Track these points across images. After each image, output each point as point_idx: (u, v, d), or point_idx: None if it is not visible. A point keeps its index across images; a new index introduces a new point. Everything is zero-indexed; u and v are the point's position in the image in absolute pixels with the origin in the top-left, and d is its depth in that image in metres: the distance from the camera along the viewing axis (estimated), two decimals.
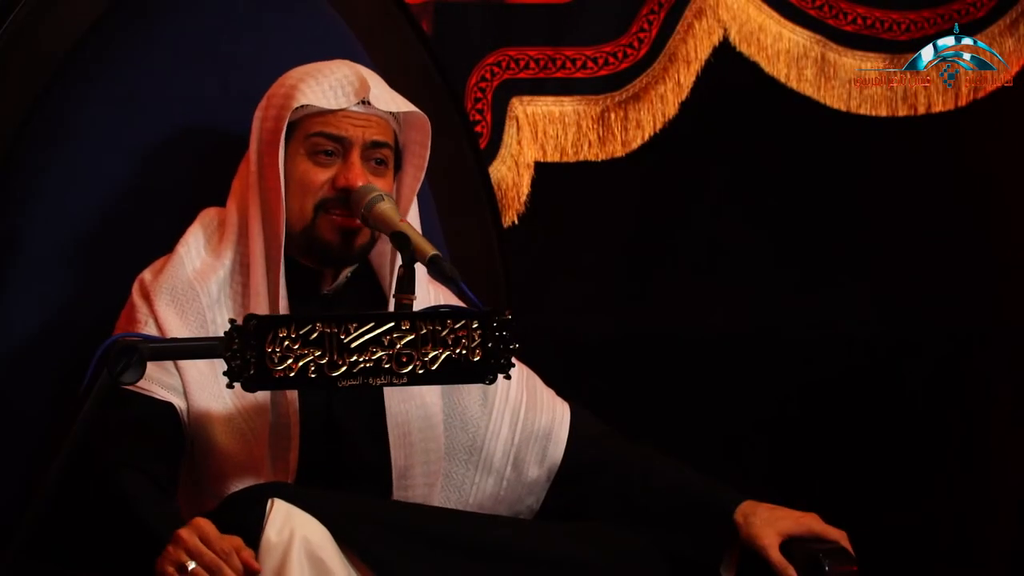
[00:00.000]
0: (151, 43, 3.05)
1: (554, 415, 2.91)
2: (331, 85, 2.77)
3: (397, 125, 2.85)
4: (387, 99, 2.81)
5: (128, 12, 3.07)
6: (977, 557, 4.14)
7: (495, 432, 2.87)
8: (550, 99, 3.79)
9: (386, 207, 2.73)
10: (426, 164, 2.84)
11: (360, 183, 2.76)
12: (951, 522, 4.12)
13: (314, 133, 2.78)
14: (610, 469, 2.87)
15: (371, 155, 2.80)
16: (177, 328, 2.72)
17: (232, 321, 2.43)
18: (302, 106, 2.76)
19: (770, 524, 2.77)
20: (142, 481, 2.60)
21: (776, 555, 2.74)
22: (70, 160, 2.98)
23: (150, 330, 2.72)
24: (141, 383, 2.56)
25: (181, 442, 2.69)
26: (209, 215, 2.85)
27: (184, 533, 2.43)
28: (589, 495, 2.87)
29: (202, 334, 2.72)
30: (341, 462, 2.76)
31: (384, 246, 2.83)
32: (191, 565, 2.40)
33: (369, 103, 2.78)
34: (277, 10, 3.14)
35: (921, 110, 3.99)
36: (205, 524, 2.44)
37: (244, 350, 2.41)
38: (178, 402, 2.69)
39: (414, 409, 2.79)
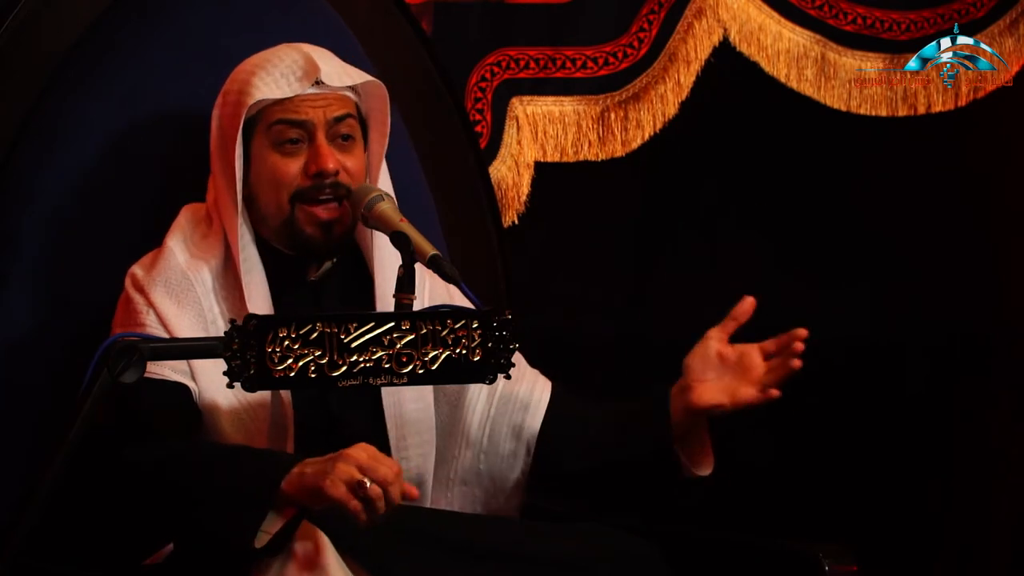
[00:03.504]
0: (151, 43, 3.06)
1: (534, 388, 2.89)
2: (282, 73, 2.77)
3: (356, 96, 2.84)
4: (339, 75, 2.80)
5: (128, 11, 3.07)
6: (977, 557, 4.14)
7: (472, 405, 2.87)
8: (550, 99, 3.79)
9: (386, 207, 2.74)
10: (388, 130, 2.84)
11: (331, 165, 2.76)
12: (951, 522, 4.12)
13: (275, 121, 2.77)
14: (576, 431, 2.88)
15: (336, 132, 2.79)
16: (175, 316, 2.73)
17: (232, 321, 2.43)
18: (254, 102, 2.77)
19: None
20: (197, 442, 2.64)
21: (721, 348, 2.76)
22: (70, 159, 2.98)
23: (151, 320, 2.73)
24: (153, 368, 2.57)
25: (198, 421, 2.70)
26: (192, 209, 2.85)
27: (353, 452, 2.42)
28: (561, 462, 2.87)
29: (199, 322, 2.73)
30: (336, 433, 2.76)
31: (364, 227, 2.83)
32: (368, 482, 2.40)
33: (322, 83, 2.79)
34: (277, 10, 3.14)
35: (921, 110, 3.99)
36: (369, 446, 2.44)
37: (244, 350, 2.41)
38: (191, 384, 2.70)
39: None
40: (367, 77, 2.82)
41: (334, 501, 2.40)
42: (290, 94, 2.76)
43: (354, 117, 2.82)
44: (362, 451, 2.43)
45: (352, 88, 2.82)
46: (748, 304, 2.79)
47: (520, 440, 2.87)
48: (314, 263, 2.84)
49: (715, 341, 2.79)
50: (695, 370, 2.78)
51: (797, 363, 2.73)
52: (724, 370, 2.78)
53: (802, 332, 2.75)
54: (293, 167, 2.77)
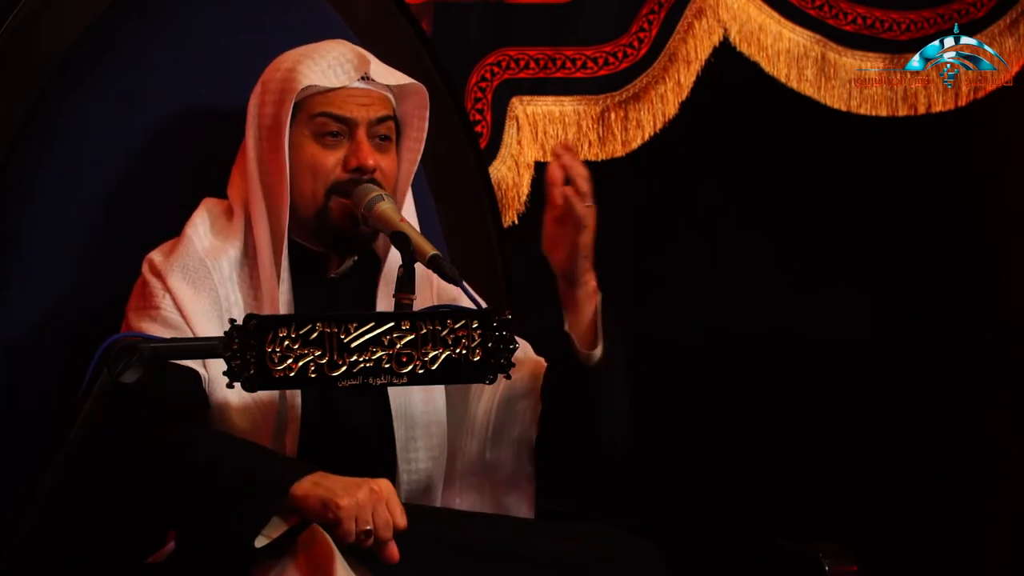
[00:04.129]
0: (151, 42, 3.06)
1: (537, 376, 2.86)
2: (329, 64, 2.78)
3: (393, 98, 2.85)
4: (386, 73, 2.83)
5: (128, 11, 3.07)
6: (977, 557, 4.14)
7: (477, 395, 2.86)
8: (550, 99, 3.79)
9: (386, 207, 2.74)
10: (424, 135, 2.86)
11: (371, 161, 2.77)
12: (951, 522, 4.12)
13: (318, 113, 2.78)
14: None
15: (376, 131, 2.81)
16: (191, 301, 2.73)
17: (232, 321, 2.43)
18: (302, 88, 2.77)
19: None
20: (222, 435, 2.64)
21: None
22: (70, 159, 2.98)
23: (166, 304, 2.73)
24: None
25: (206, 408, 2.70)
26: (212, 202, 2.85)
27: (377, 490, 2.44)
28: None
29: (215, 309, 2.74)
30: (341, 429, 2.77)
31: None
32: (372, 533, 2.42)
33: (369, 78, 2.79)
34: (277, 10, 3.15)
35: (921, 110, 3.99)
36: (391, 489, 2.45)
37: (244, 350, 2.41)
38: (201, 371, 2.70)
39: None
40: (410, 79, 2.84)
41: (337, 523, 2.41)
42: (338, 84, 2.77)
43: (392, 119, 2.83)
44: (383, 498, 2.44)
45: (391, 91, 2.83)
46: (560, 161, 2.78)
47: (524, 426, 2.85)
48: (336, 260, 2.84)
49: (546, 215, 2.79)
50: (547, 249, 2.81)
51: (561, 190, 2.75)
52: (564, 227, 2.78)
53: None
54: (331, 159, 2.78)
